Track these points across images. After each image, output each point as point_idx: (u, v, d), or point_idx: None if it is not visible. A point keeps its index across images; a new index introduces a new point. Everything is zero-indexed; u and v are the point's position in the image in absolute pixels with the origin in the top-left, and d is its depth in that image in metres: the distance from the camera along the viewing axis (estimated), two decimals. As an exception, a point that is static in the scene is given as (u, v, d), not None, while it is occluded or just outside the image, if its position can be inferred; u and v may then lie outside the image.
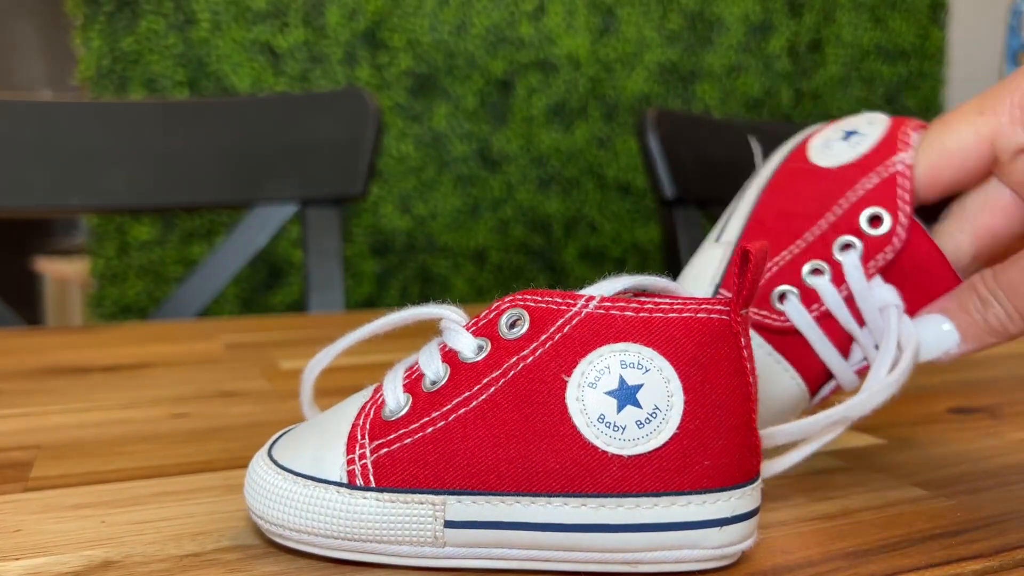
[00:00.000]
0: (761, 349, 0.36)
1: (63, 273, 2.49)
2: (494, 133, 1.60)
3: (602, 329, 0.27)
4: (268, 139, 0.94)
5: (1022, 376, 0.57)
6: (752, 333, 0.36)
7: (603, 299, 0.27)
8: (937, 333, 0.34)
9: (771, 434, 0.33)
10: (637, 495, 0.27)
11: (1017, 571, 0.29)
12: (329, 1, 1.48)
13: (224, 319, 0.81)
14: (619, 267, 1.69)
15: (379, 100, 1.46)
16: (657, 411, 0.27)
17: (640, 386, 0.27)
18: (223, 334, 0.71)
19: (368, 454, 0.28)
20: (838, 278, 0.35)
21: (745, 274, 0.26)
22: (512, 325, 0.28)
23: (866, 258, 0.35)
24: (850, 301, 0.35)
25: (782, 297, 0.36)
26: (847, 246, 0.35)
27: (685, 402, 0.27)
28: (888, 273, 0.35)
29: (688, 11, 1.69)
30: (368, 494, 0.28)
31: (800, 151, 0.39)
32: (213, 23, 1.42)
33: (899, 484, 0.37)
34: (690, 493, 0.27)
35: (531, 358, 0.27)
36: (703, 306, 0.27)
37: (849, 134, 0.38)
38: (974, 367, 0.60)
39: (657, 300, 0.27)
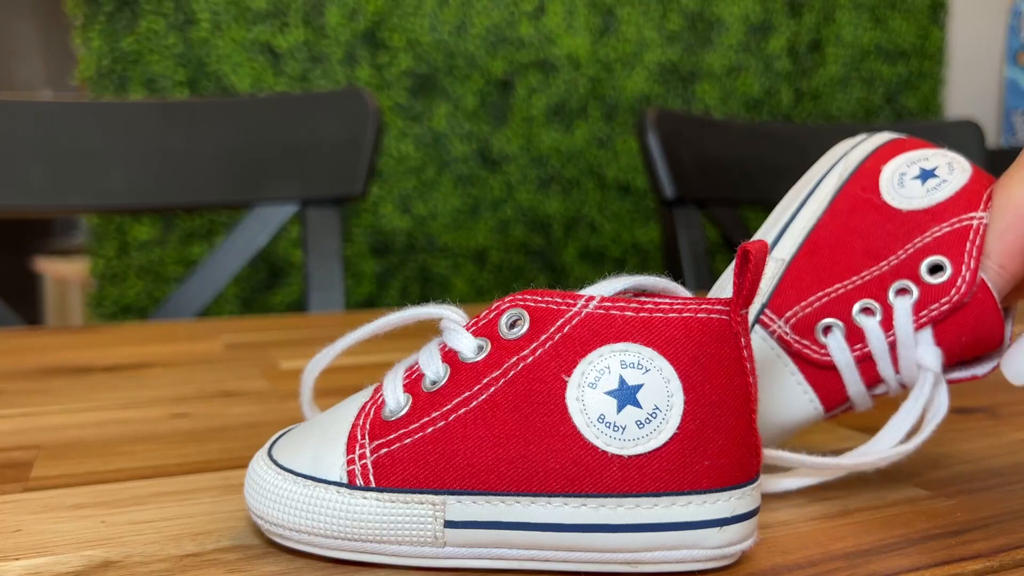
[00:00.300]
0: (786, 368, 0.35)
1: (63, 273, 2.49)
2: (494, 133, 1.60)
3: (602, 329, 0.27)
4: (268, 139, 0.94)
5: (1022, 376, 0.57)
6: (781, 352, 0.35)
7: (603, 299, 0.27)
8: None
9: (773, 456, 0.33)
10: (637, 495, 0.27)
11: (1017, 571, 0.29)
12: (329, 1, 1.48)
13: (224, 319, 0.81)
14: (619, 267, 1.69)
15: (379, 100, 1.46)
16: (657, 411, 0.27)
17: (640, 386, 0.27)
18: (223, 334, 0.71)
19: (368, 454, 0.28)
20: (887, 322, 0.34)
21: (745, 274, 0.26)
22: (512, 325, 0.28)
23: (919, 307, 0.34)
24: (893, 348, 0.34)
25: (827, 330, 0.35)
26: (903, 291, 0.34)
27: (685, 402, 0.27)
28: (944, 330, 0.34)
29: (688, 11, 1.69)
30: (368, 494, 0.28)
31: (870, 176, 0.37)
32: (213, 23, 1.42)
33: (899, 484, 0.37)
34: (690, 493, 0.27)
35: (531, 358, 0.27)
36: (703, 306, 0.27)
37: (926, 174, 0.36)
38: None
39: (657, 300, 0.27)
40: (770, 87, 1.77)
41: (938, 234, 0.35)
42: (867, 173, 0.38)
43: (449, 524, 0.27)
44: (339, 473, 0.28)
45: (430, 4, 1.53)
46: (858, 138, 0.40)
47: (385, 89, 1.52)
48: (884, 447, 0.34)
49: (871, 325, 0.34)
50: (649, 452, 0.27)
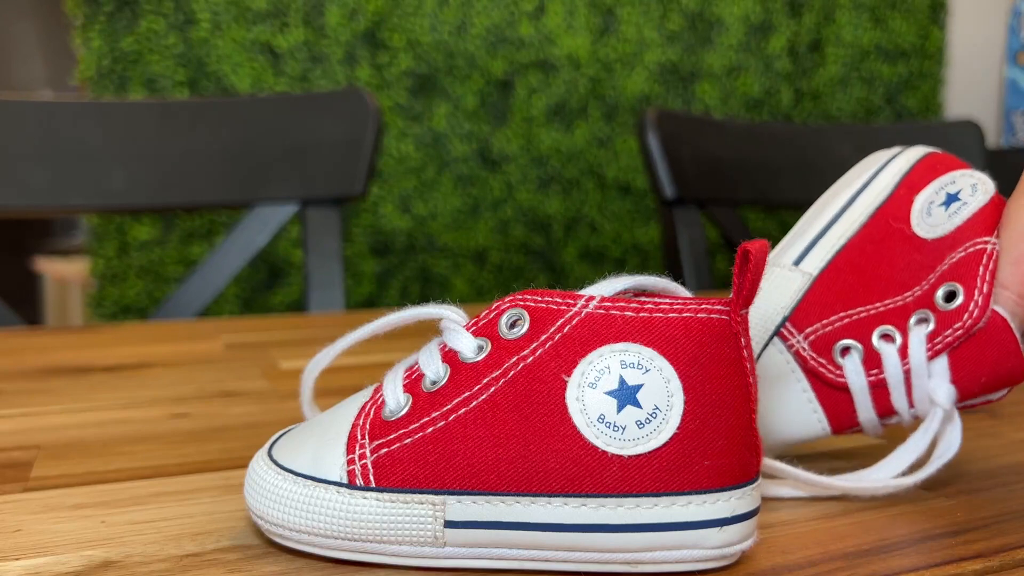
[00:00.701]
0: (799, 384, 0.35)
1: (63, 273, 2.49)
2: (494, 133, 1.60)
3: (602, 329, 0.27)
4: (268, 139, 0.94)
5: (1022, 376, 0.57)
6: (796, 367, 0.35)
7: (603, 299, 0.27)
8: None
9: (770, 466, 0.33)
10: (637, 495, 0.27)
11: (1017, 571, 0.29)
12: (329, 1, 1.48)
13: (224, 319, 0.81)
14: (619, 267, 1.69)
15: (379, 100, 1.46)
16: (657, 411, 0.27)
17: (640, 386, 0.27)
18: (223, 334, 0.71)
19: (368, 454, 0.28)
20: (904, 350, 0.34)
21: (745, 274, 0.26)
22: (512, 325, 0.28)
23: (933, 335, 0.34)
24: (908, 377, 0.34)
25: (845, 351, 0.35)
26: (922, 320, 0.34)
27: (685, 402, 0.27)
28: (960, 363, 0.34)
29: (688, 11, 1.69)
30: (368, 494, 0.28)
31: (902, 206, 0.37)
32: (213, 23, 1.42)
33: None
34: (690, 493, 0.27)
35: (531, 358, 0.27)
36: (703, 306, 0.27)
37: (951, 199, 0.36)
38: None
39: (657, 300, 0.27)
40: (770, 87, 1.77)
41: (953, 260, 0.34)
42: (900, 202, 0.37)
43: (449, 524, 0.27)
44: (339, 473, 0.28)
45: (430, 4, 1.53)
46: (893, 151, 0.40)
47: (385, 89, 1.52)
48: (884, 475, 0.34)
49: (889, 352, 0.34)
50: (649, 452, 0.27)
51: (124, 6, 1.38)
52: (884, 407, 0.35)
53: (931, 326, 0.34)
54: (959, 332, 0.33)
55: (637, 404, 0.27)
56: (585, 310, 0.27)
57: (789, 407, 0.35)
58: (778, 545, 0.30)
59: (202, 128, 0.93)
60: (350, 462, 0.28)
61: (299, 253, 1.49)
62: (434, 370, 0.29)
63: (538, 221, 1.64)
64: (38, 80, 2.99)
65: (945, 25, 1.90)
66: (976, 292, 0.33)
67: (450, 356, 0.29)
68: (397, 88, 1.53)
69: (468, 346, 0.29)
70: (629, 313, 0.27)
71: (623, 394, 0.27)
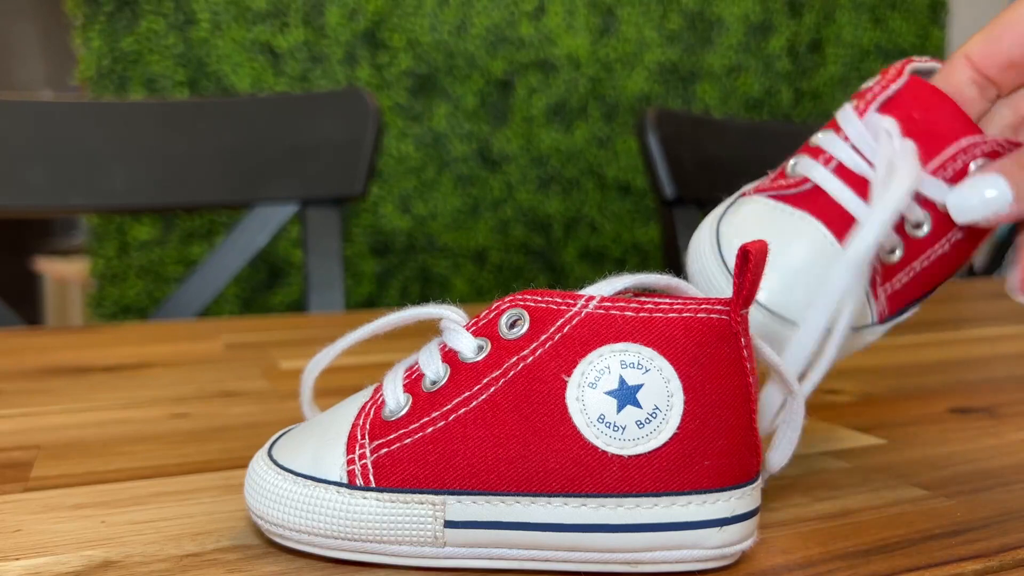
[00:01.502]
0: (784, 212, 0.37)
1: (63, 273, 2.49)
2: (494, 133, 1.60)
3: (602, 329, 0.27)
4: (268, 139, 0.94)
5: (1022, 376, 0.57)
6: (770, 201, 0.37)
7: (603, 299, 0.27)
8: (993, 194, 0.33)
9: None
10: (637, 495, 0.27)
11: (1017, 571, 0.29)
12: (329, 1, 1.48)
13: (224, 319, 0.81)
14: (619, 267, 1.69)
15: (379, 100, 1.46)
16: (657, 411, 0.27)
17: (640, 386, 0.27)
18: (223, 334, 0.71)
19: (368, 454, 0.28)
20: (837, 127, 0.37)
21: (745, 274, 0.26)
22: (512, 325, 0.28)
23: (857, 102, 0.37)
24: (850, 144, 0.36)
25: (794, 166, 0.38)
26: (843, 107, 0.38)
27: (685, 402, 0.27)
28: (891, 108, 0.36)
29: (688, 11, 1.69)
30: (368, 494, 0.28)
31: None
32: (213, 23, 1.42)
33: (899, 484, 0.37)
34: (690, 493, 0.27)
35: (531, 358, 0.27)
36: (703, 306, 0.27)
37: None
38: (974, 367, 0.60)
39: (657, 300, 0.27)
40: (770, 87, 1.77)
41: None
42: None
43: (449, 524, 0.27)
44: (339, 473, 0.28)
45: (430, 4, 1.53)
46: None
47: (385, 89, 1.52)
48: (874, 210, 0.34)
49: (824, 137, 0.37)
50: (649, 452, 0.27)
51: (124, 6, 1.38)
52: (852, 180, 0.36)
53: (852, 102, 0.37)
54: (877, 91, 0.36)
55: (637, 404, 0.27)
56: (585, 310, 0.27)
57: (787, 236, 0.36)
58: (778, 545, 0.30)
59: (202, 128, 0.93)
60: (350, 462, 0.28)
61: (299, 253, 1.49)
62: (434, 370, 0.29)
63: (538, 221, 1.64)
64: (38, 80, 2.99)
65: (945, 25, 1.90)
66: (891, 67, 0.37)
67: (450, 356, 0.29)
68: (397, 88, 1.53)
69: (468, 346, 0.29)
70: (629, 313, 0.27)
71: (623, 394, 0.27)
